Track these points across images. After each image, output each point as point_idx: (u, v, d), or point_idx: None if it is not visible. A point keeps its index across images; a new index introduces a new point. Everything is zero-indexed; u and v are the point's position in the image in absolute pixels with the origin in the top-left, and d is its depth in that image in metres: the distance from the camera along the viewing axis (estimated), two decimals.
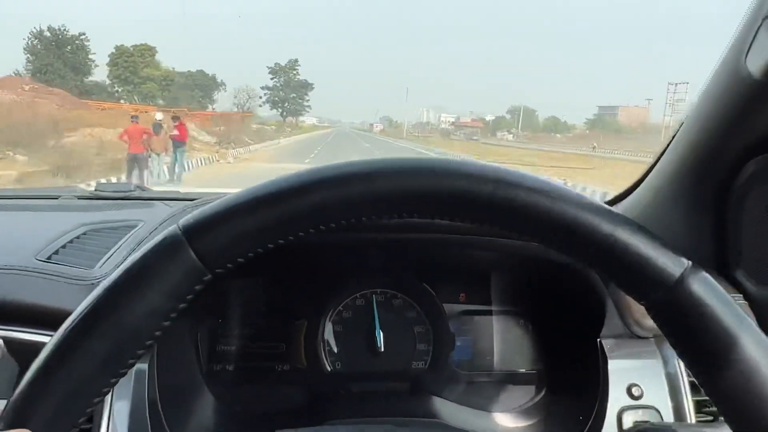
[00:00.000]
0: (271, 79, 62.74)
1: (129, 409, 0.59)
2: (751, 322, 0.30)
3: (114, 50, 41.33)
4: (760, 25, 0.47)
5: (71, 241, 0.71)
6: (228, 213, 0.31)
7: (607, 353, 0.65)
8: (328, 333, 0.77)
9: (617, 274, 0.32)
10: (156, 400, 0.63)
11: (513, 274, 0.81)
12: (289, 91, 61.55)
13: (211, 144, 19.80)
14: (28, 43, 35.39)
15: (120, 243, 0.71)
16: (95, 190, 1.08)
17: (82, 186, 1.11)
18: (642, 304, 0.32)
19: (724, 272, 0.62)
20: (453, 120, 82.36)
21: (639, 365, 0.65)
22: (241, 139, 23.31)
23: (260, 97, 59.06)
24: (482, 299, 0.80)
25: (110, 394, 0.54)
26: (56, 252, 0.68)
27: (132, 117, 11.16)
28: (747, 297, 0.59)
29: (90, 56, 37.68)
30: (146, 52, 41.42)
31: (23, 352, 0.56)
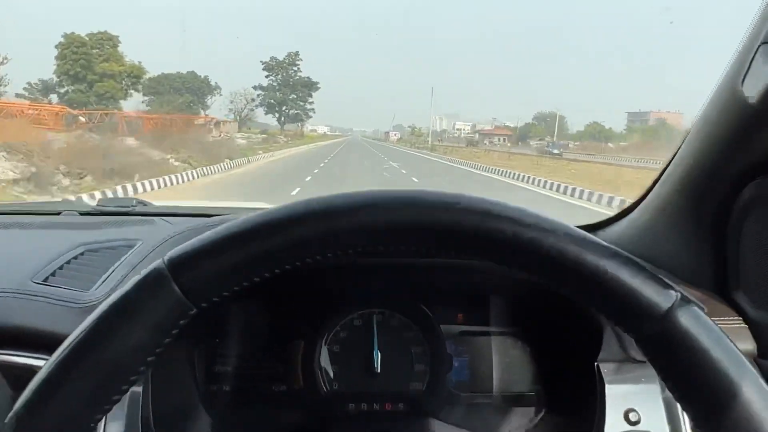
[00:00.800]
0: (267, 77, 51.27)
1: None
2: (748, 364, 0.29)
3: (62, 40, 32.81)
4: (756, 50, 0.48)
5: (68, 262, 0.72)
6: (213, 248, 0.31)
7: (604, 377, 0.64)
8: (325, 354, 0.78)
9: (604, 307, 0.32)
10: (150, 423, 0.62)
11: (511, 296, 0.81)
12: (288, 91, 51.22)
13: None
14: None
15: (116, 264, 0.72)
16: (97, 205, 1.08)
17: (86, 199, 1.10)
18: (631, 336, 0.32)
19: (724, 294, 0.62)
20: (469, 128, 76.10)
21: (637, 390, 0.64)
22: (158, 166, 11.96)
23: (252, 100, 48.79)
24: (480, 320, 0.80)
25: (103, 421, 0.54)
26: (53, 273, 0.68)
27: None
28: (746, 320, 0.59)
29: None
30: (106, 42, 33.85)
31: (16, 377, 0.55)
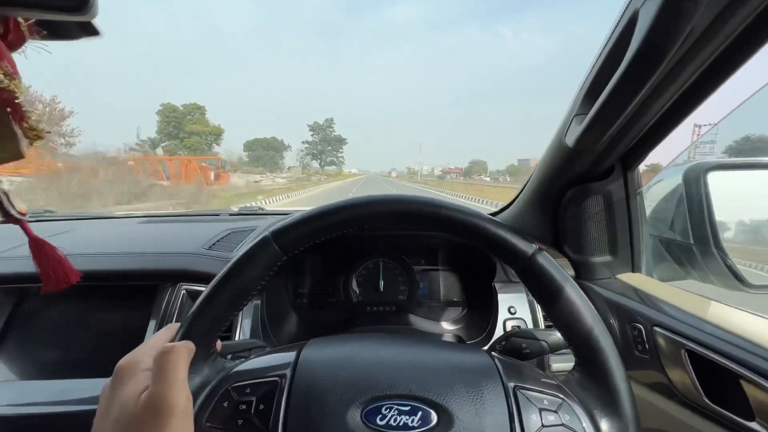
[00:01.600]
0: (311, 135, 68.80)
1: (250, 325, 0.75)
2: (571, 279, 0.39)
3: (161, 107, 42.05)
4: (571, 120, 0.64)
5: (222, 238, 0.93)
6: (295, 224, 0.39)
7: (497, 290, 0.86)
8: (354, 282, 0.99)
9: (497, 253, 0.40)
10: (265, 319, 0.79)
11: (449, 249, 1.02)
12: (325, 144, 67.40)
13: None
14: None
15: (246, 239, 0.93)
16: (239, 211, 1.38)
17: (234, 208, 1.49)
18: (512, 269, 0.42)
19: (557, 247, 0.81)
20: (431, 168, 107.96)
21: (515, 296, 0.85)
22: None
23: (301, 150, 64.84)
24: (433, 263, 1.03)
25: (240, 316, 0.76)
26: (214, 244, 0.89)
27: None
28: (570, 259, 0.79)
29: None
30: (195, 110, 42.31)
31: (195, 298, 0.64)
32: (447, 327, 0.95)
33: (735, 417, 0.47)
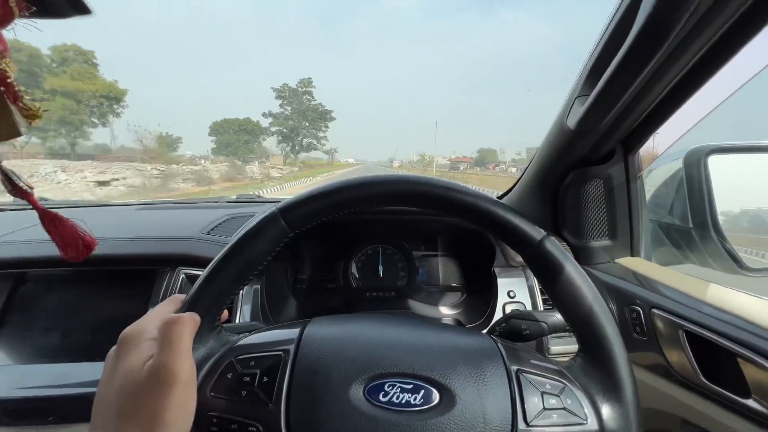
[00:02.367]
0: (280, 105, 40.99)
1: (250, 310, 0.76)
2: (578, 265, 0.40)
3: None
4: (573, 101, 0.62)
5: (220, 224, 0.94)
6: (303, 200, 0.40)
7: (497, 274, 0.87)
8: (354, 267, 0.99)
9: (506, 238, 0.40)
10: (264, 304, 0.80)
11: (448, 235, 1.02)
12: (300, 118, 39.50)
13: None
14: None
15: (245, 224, 0.80)
16: (236, 198, 1.41)
17: (232, 196, 1.49)
18: (520, 254, 0.41)
19: (557, 232, 0.81)
20: (441, 157, 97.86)
21: (514, 280, 0.86)
22: None
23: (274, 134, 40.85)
24: (432, 248, 1.03)
25: (240, 300, 0.76)
26: (212, 229, 0.90)
27: None
28: (569, 244, 0.79)
29: None
30: (74, 57, 28.42)
31: (194, 282, 0.56)
32: (446, 312, 0.96)
33: (731, 395, 0.48)
